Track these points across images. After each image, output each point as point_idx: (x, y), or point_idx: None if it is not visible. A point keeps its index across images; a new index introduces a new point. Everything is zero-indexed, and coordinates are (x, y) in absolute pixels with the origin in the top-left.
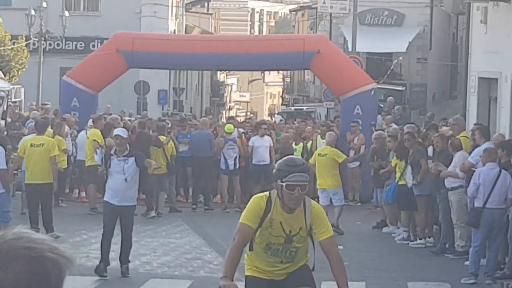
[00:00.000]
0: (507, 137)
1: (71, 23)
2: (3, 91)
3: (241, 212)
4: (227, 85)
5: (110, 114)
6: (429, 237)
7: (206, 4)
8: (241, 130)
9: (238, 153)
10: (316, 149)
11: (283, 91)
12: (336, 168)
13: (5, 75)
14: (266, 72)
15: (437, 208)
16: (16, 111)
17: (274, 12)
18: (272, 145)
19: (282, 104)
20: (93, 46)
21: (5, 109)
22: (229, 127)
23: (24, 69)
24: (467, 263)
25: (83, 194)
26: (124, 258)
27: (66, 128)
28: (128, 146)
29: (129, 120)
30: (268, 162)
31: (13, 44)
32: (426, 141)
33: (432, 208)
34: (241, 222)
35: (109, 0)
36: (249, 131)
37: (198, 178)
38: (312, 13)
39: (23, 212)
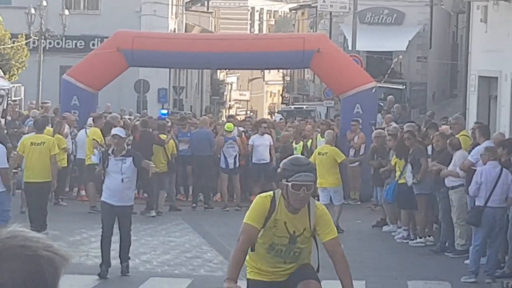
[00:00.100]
0: (507, 136)
1: (71, 21)
2: (3, 89)
3: (241, 211)
4: (227, 83)
5: (110, 113)
6: (429, 236)
7: (206, 3)
8: (241, 128)
9: (238, 151)
10: (316, 147)
11: (283, 90)
12: (336, 167)
13: (5, 74)
14: (266, 71)
15: (437, 207)
16: (16, 109)
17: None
18: (272, 143)
19: (282, 103)
20: (93, 44)
21: (5, 107)
22: (229, 125)
23: (24, 68)
24: (467, 261)
25: (83, 192)
26: (123, 256)
27: (66, 126)
28: (125, 146)
29: (129, 118)
30: (268, 160)
31: (13, 42)
32: (426, 140)
33: (432, 207)
34: (245, 222)
35: None
36: (249, 130)
37: (198, 177)
38: (312, 11)
39: (22, 211)
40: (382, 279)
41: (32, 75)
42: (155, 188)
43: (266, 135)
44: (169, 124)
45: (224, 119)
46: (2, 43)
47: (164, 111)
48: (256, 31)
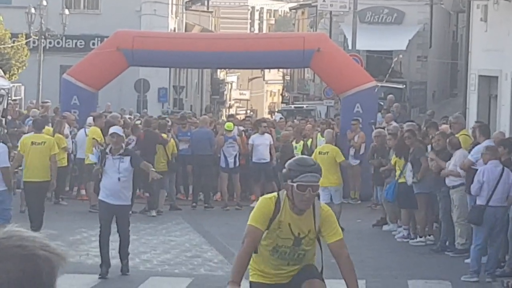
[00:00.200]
0: (507, 135)
1: (71, 21)
2: (3, 89)
3: (241, 210)
4: (227, 83)
5: (110, 112)
6: (429, 235)
7: (206, 2)
8: (241, 128)
9: (238, 151)
10: (316, 147)
11: (283, 89)
12: (337, 166)
13: (5, 73)
14: (266, 70)
15: (437, 206)
16: (16, 109)
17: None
18: (272, 143)
19: (282, 102)
20: (93, 44)
21: (5, 107)
22: (229, 125)
23: (24, 67)
24: (467, 261)
25: (83, 192)
26: (123, 254)
27: (66, 126)
28: (123, 145)
29: (129, 118)
30: (268, 160)
31: (13, 42)
32: (426, 139)
33: (432, 206)
34: (249, 224)
35: None
36: (249, 129)
37: (198, 176)
38: (312, 11)
39: (22, 210)
40: (382, 278)
41: (32, 75)
42: (155, 187)
43: (266, 135)
44: (169, 123)
45: (224, 118)
46: (2, 43)
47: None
48: (256, 31)
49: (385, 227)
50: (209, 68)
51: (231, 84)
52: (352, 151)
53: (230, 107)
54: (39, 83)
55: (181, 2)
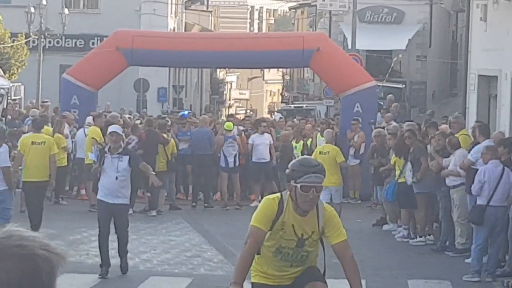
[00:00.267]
0: (507, 135)
1: (70, 20)
2: (3, 88)
3: (241, 210)
4: (227, 82)
5: (110, 112)
6: (429, 235)
7: (205, 2)
8: (241, 128)
9: (238, 150)
10: (316, 146)
11: (282, 89)
12: (338, 166)
13: (4, 73)
14: (266, 70)
15: (437, 206)
16: (16, 108)
17: (274, 10)
18: (272, 142)
19: (281, 102)
20: (93, 43)
21: (5, 106)
22: (228, 124)
23: (23, 67)
24: (467, 260)
25: (83, 191)
26: (121, 252)
27: (66, 126)
28: (122, 143)
29: (129, 117)
30: (268, 159)
31: (13, 41)
32: (426, 139)
33: (432, 206)
34: (252, 225)
35: None
36: (249, 129)
37: (198, 176)
38: (312, 10)
39: (22, 210)
40: (382, 278)
41: (32, 74)
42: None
43: (266, 134)
44: (169, 123)
45: (223, 118)
46: (2, 42)
47: (185, 112)
48: (256, 30)
49: (385, 227)
50: (208, 67)
51: (231, 83)
52: (352, 151)
53: (229, 106)
54: (38, 82)
55: (180, 1)
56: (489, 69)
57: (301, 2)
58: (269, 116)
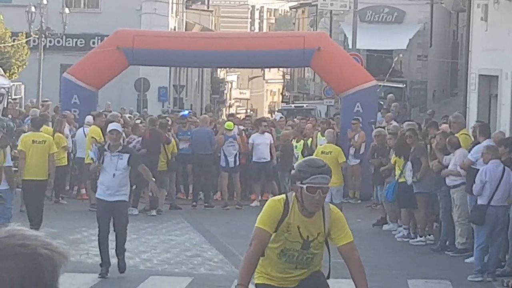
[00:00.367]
0: (507, 135)
1: (71, 20)
2: (4, 88)
3: (241, 209)
4: (227, 82)
5: (110, 111)
6: (429, 235)
7: (206, 1)
8: (241, 127)
9: (238, 150)
10: (316, 146)
11: (283, 89)
12: (339, 166)
13: (5, 72)
14: (266, 70)
15: (437, 206)
16: (17, 108)
17: (274, 9)
18: (272, 142)
19: (282, 102)
20: (93, 43)
21: (5, 106)
22: (229, 124)
23: (24, 66)
24: (467, 260)
25: (83, 191)
26: (119, 250)
27: (66, 125)
28: (122, 141)
29: (129, 117)
30: (268, 159)
31: (14, 41)
32: (426, 139)
33: (432, 206)
34: (257, 226)
35: None
36: (249, 128)
37: (198, 176)
38: (313, 10)
39: (22, 209)
40: (382, 278)
41: (32, 74)
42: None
43: (266, 134)
44: (170, 122)
45: (224, 117)
46: (2, 42)
47: (185, 112)
48: (257, 30)
49: (385, 227)
50: (209, 67)
51: (231, 83)
52: (352, 151)
53: (230, 106)
54: (39, 82)
55: (181, 1)
56: (490, 68)
57: (301, 2)
58: (269, 115)
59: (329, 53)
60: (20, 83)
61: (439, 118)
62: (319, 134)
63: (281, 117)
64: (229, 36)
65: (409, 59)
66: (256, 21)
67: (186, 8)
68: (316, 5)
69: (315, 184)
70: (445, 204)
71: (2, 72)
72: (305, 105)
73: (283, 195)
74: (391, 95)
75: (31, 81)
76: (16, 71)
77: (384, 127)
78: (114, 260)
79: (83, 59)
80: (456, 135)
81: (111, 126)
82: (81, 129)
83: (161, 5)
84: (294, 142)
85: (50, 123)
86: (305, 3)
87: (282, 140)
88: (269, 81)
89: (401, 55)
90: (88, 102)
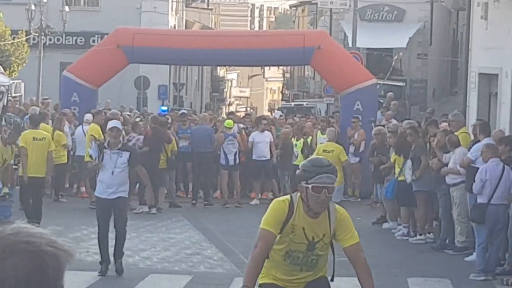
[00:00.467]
0: (507, 133)
1: (71, 18)
2: (3, 86)
3: (241, 208)
4: (227, 80)
5: (110, 109)
6: (429, 233)
7: (206, 0)
8: (241, 125)
9: (238, 148)
10: (316, 144)
11: (283, 87)
12: (340, 164)
13: (5, 70)
14: (266, 68)
15: (437, 204)
16: (17, 105)
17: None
18: (272, 140)
19: (282, 100)
20: (93, 41)
21: (5, 104)
22: (228, 122)
23: (24, 64)
24: (467, 259)
25: (82, 189)
26: (118, 253)
27: (66, 123)
28: (121, 139)
29: (128, 115)
30: (268, 157)
31: (13, 39)
32: (426, 137)
33: (432, 204)
34: (262, 228)
35: None
36: (249, 127)
37: (198, 174)
38: (312, 8)
39: (21, 207)
40: (382, 276)
41: (32, 72)
42: (156, 184)
43: (266, 132)
44: (170, 120)
45: (224, 116)
46: (2, 40)
47: (164, 108)
48: (256, 28)
49: (385, 225)
50: (209, 65)
51: (231, 81)
52: (351, 149)
53: (230, 104)
54: (39, 80)
55: None
56: (490, 67)
57: (301, 0)
58: (269, 113)
59: (329, 52)
60: (20, 81)
61: (439, 117)
62: (319, 132)
63: (281, 115)
64: (229, 34)
65: (409, 58)
66: (256, 20)
67: (186, 6)
68: (316, 4)
69: (320, 183)
70: (444, 203)
71: (2, 70)
72: (305, 103)
73: (288, 196)
74: (390, 93)
75: (31, 79)
76: (16, 69)
77: (384, 126)
78: (113, 259)
79: (83, 57)
80: (455, 133)
81: (111, 124)
82: (80, 127)
83: (161, 3)
84: (294, 140)
85: (50, 121)
86: (305, 1)
87: (282, 138)
88: (269, 79)
89: (401, 54)
90: (88, 100)
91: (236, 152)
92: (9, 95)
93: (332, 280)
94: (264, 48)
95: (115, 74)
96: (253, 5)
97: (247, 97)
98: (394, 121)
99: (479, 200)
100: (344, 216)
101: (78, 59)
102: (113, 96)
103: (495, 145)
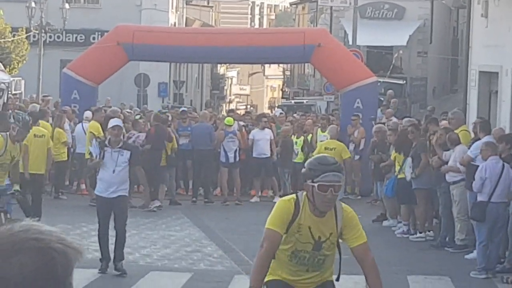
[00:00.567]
0: (507, 131)
1: (71, 15)
2: (4, 83)
3: (241, 205)
4: (227, 78)
5: (110, 107)
6: (429, 231)
7: None
8: (242, 123)
9: (238, 146)
10: (316, 142)
11: (283, 84)
12: (342, 162)
13: (5, 67)
14: (266, 65)
15: (437, 202)
16: (17, 103)
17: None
18: (272, 138)
19: (282, 97)
20: (94, 38)
21: (5, 101)
22: (229, 119)
23: (24, 62)
24: (467, 256)
25: (82, 186)
26: (118, 254)
27: (66, 121)
28: (122, 138)
29: (128, 112)
30: (268, 155)
31: (14, 36)
32: (426, 135)
33: (432, 202)
34: (268, 228)
35: None
36: (250, 124)
37: (198, 171)
38: (313, 6)
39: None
40: (382, 274)
41: (32, 69)
42: (156, 182)
43: (266, 129)
44: (170, 118)
45: (224, 113)
46: (2, 37)
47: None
48: (257, 26)
49: (385, 223)
50: (209, 62)
51: (231, 79)
52: (351, 147)
53: (230, 102)
54: (39, 77)
55: None
56: (490, 65)
57: None
58: (269, 111)
59: (329, 49)
60: (20, 78)
61: (439, 115)
62: (319, 130)
63: (281, 113)
64: (229, 32)
65: (409, 56)
66: (256, 17)
67: (186, 4)
68: (316, 1)
69: (326, 182)
70: (444, 200)
71: (2, 67)
72: (305, 101)
73: (293, 195)
74: (390, 91)
75: (31, 77)
76: (16, 67)
77: (384, 123)
78: (113, 255)
79: (83, 54)
80: (455, 131)
81: (113, 122)
82: (80, 124)
83: (161, 1)
84: (294, 138)
85: (50, 118)
86: None
87: (282, 136)
88: (269, 77)
89: (401, 52)
90: (88, 97)
91: (236, 150)
92: (9, 92)
93: (337, 279)
94: (264, 45)
95: (115, 72)
96: (253, 2)
97: (247, 95)
98: (394, 119)
99: (479, 198)
100: (351, 215)
101: (78, 57)
102: (113, 93)
103: (494, 143)
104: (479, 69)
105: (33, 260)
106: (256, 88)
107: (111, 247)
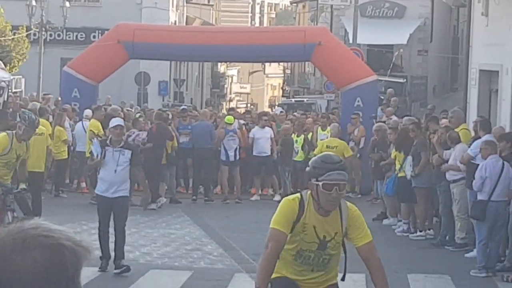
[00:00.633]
0: (507, 130)
1: (72, 13)
2: (4, 81)
3: (241, 203)
4: (228, 76)
5: (111, 105)
6: (429, 229)
7: None
8: (242, 121)
9: (239, 144)
10: (316, 141)
11: (283, 83)
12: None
13: (5, 66)
14: (267, 64)
15: (437, 201)
16: (17, 101)
17: (275, 4)
18: (272, 136)
19: (282, 96)
20: (94, 37)
21: (5, 99)
22: (229, 118)
23: (24, 60)
24: (467, 255)
25: (83, 184)
26: (118, 254)
27: (67, 119)
28: (123, 137)
29: (127, 110)
30: (268, 153)
31: (14, 34)
32: (427, 134)
33: (432, 201)
34: (272, 227)
35: None
36: (250, 123)
37: (199, 169)
38: (313, 5)
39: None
40: None
41: (32, 67)
42: (156, 180)
43: (267, 128)
44: (170, 116)
45: (224, 112)
46: (3, 35)
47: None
48: (257, 24)
49: (385, 221)
50: (209, 61)
51: (232, 77)
52: (351, 145)
53: (230, 100)
54: (39, 75)
55: None
56: (490, 64)
57: None
58: (269, 110)
59: (329, 48)
60: (21, 76)
61: (439, 113)
62: (319, 128)
63: (281, 112)
64: (229, 31)
65: (409, 54)
66: (257, 16)
67: (186, 2)
68: (317, 0)
69: (331, 180)
70: (445, 199)
71: (3, 66)
72: (305, 99)
73: (298, 194)
74: (390, 89)
75: (31, 75)
76: (16, 65)
77: (384, 122)
78: (114, 254)
79: (83, 52)
80: (455, 130)
81: (115, 121)
82: (80, 122)
83: None
84: (294, 137)
85: (50, 116)
86: None
87: (283, 135)
88: (269, 75)
89: (401, 50)
90: (89, 95)
91: (236, 148)
92: (10, 90)
93: (343, 279)
94: (264, 44)
95: (116, 70)
96: (253, 1)
97: (247, 93)
98: (394, 118)
99: (480, 197)
100: (356, 214)
101: (79, 55)
102: (114, 92)
103: (494, 142)
104: (479, 68)
105: (44, 256)
106: (256, 86)
107: (111, 246)
